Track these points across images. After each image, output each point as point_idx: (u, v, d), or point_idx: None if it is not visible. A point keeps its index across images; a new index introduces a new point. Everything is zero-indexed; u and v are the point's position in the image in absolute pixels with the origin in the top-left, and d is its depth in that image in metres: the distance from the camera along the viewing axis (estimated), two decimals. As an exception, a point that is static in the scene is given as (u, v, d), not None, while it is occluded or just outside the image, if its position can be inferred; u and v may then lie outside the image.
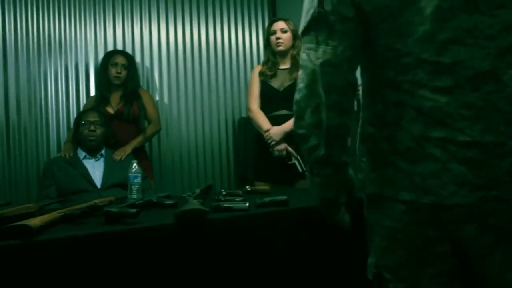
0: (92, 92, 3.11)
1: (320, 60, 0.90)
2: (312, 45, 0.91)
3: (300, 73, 0.95)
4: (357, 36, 0.90)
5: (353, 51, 0.91)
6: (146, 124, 2.88)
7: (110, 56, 2.81)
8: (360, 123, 1.02)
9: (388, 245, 0.97)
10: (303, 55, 0.94)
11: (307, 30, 0.93)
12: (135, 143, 2.69)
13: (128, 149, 2.61)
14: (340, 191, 1.04)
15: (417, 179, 0.89)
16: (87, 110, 2.57)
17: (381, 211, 0.97)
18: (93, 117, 2.47)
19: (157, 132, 2.95)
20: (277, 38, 2.56)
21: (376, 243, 1.01)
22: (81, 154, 2.44)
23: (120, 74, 2.75)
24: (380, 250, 1.00)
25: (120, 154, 2.53)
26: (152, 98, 2.96)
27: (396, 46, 0.88)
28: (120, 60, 2.77)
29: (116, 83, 2.76)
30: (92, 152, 2.44)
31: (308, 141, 0.96)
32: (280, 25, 2.58)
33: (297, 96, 0.97)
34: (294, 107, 0.98)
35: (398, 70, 0.89)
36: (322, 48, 0.90)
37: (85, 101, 3.05)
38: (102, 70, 2.80)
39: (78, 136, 2.45)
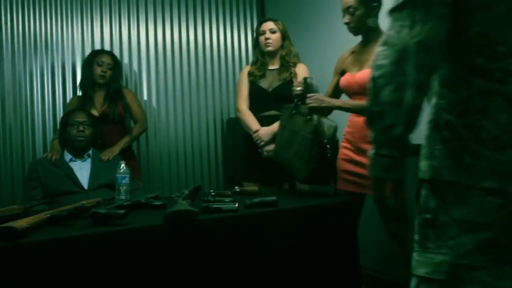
0: (79, 92, 3.07)
1: (416, 39, 0.89)
2: (407, 23, 0.89)
3: (384, 49, 0.93)
4: (451, 21, 0.91)
5: (445, 36, 0.91)
6: (131, 123, 2.85)
7: (95, 54, 2.78)
8: (433, 111, 1.01)
9: (471, 241, 0.91)
10: (391, 32, 0.92)
11: (400, 7, 0.91)
12: (122, 143, 2.67)
13: (116, 149, 2.59)
14: (402, 174, 1.00)
15: (501, 167, 0.89)
16: (74, 110, 2.54)
17: (463, 203, 0.92)
18: (81, 117, 2.44)
19: (144, 131, 2.93)
20: (266, 39, 2.56)
21: (451, 238, 0.93)
22: (67, 155, 2.41)
23: (105, 73, 2.72)
24: (459, 247, 0.92)
25: (108, 155, 2.50)
26: (136, 97, 2.94)
27: (491, 34, 0.89)
28: (106, 59, 2.75)
29: (100, 82, 2.73)
30: (79, 153, 2.41)
31: (382, 119, 0.95)
32: (269, 25, 2.58)
33: (376, 72, 0.94)
34: (371, 83, 0.95)
35: (491, 58, 0.90)
36: (418, 27, 0.89)
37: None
38: (87, 68, 2.75)
39: (65, 136, 2.42)
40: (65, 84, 3.13)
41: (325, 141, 1.78)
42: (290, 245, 1.54)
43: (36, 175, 2.29)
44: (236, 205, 1.52)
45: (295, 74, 2.54)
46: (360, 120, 2.00)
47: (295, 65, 2.57)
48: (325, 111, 1.98)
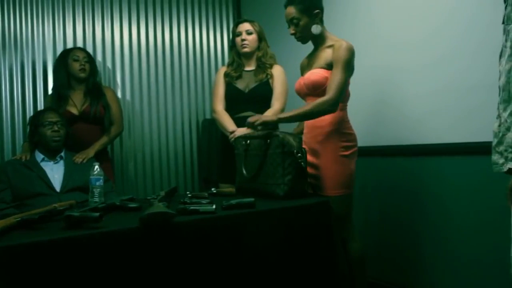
0: (50, 92, 2.99)
1: None
2: None
3: None
4: None
5: None
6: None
7: (68, 52, 2.71)
8: None
9: None
10: None
11: None
12: (98, 146, 2.61)
13: (91, 152, 2.53)
14: None
15: None
16: (46, 110, 2.46)
17: None
18: (55, 117, 2.38)
19: (120, 133, 2.88)
20: (243, 40, 2.56)
21: None
22: (39, 156, 2.34)
23: (84, 67, 2.67)
24: None
25: (82, 157, 2.44)
26: (116, 96, 2.89)
27: None
28: (81, 54, 2.70)
29: (82, 76, 2.67)
30: (52, 154, 2.35)
31: None
32: (245, 26, 2.58)
33: None
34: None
35: None
36: None
37: (42, 101, 2.95)
38: (61, 67, 2.68)
39: (37, 137, 2.35)
40: (36, 84, 3.05)
41: (295, 151, 1.79)
42: (268, 246, 1.54)
43: (5, 177, 2.22)
44: (214, 206, 1.51)
45: (272, 75, 2.56)
46: (310, 121, 2.04)
47: (271, 66, 2.58)
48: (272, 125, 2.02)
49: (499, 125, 1.16)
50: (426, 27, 2.24)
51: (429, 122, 2.24)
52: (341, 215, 1.97)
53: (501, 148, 1.14)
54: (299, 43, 2.12)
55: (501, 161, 1.14)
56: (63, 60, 2.69)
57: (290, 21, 2.04)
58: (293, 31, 2.05)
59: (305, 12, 2.01)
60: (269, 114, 2.21)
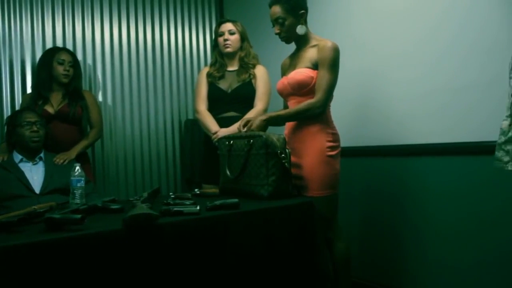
0: (29, 91, 2.92)
1: None
2: None
3: None
4: None
5: None
6: (87, 126, 2.75)
7: (54, 53, 2.65)
8: None
9: None
10: None
11: None
12: (79, 148, 2.57)
13: (72, 154, 2.49)
14: None
15: None
16: (23, 110, 2.41)
17: None
18: (33, 117, 2.33)
19: (99, 138, 2.84)
20: (225, 40, 2.55)
21: None
22: (17, 157, 2.28)
23: (68, 72, 2.62)
24: None
25: (63, 158, 2.40)
26: (96, 101, 2.84)
27: None
28: (67, 57, 2.64)
29: (64, 81, 2.62)
30: (31, 155, 2.30)
31: None
32: (228, 26, 2.58)
33: None
34: None
35: None
36: None
37: (20, 100, 2.87)
38: (44, 68, 2.62)
39: (15, 138, 2.29)
40: (13, 83, 2.98)
41: (279, 151, 1.79)
42: (252, 247, 1.53)
43: (-18, 179, 2.16)
44: (198, 207, 1.50)
45: (254, 76, 2.55)
46: (292, 122, 2.06)
47: (254, 66, 2.58)
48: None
49: (510, 125, 1.24)
50: (417, 27, 2.26)
51: (413, 123, 2.27)
52: (327, 215, 1.98)
53: (509, 147, 1.22)
54: (282, 43, 2.13)
55: (506, 159, 1.23)
56: (48, 60, 2.63)
57: (275, 21, 2.04)
58: (278, 31, 2.05)
59: (291, 12, 2.01)
60: (256, 116, 2.19)
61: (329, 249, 2.04)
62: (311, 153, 1.99)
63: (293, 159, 1.98)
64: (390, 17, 2.37)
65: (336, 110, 2.12)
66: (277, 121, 2.02)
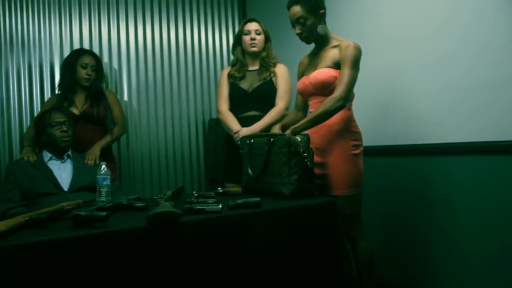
0: (57, 92, 3.01)
1: None
2: None
3: None
4: None
5: None
6: (112, 125, 2.81)
7: (78, 56, 2.71)
8: None
9: None
10: None
11: None
12: (102, 143, 2.63)
13: (97, 150, 2.55)
14: None
15: None
16: (51, 110, 2.47)
17: None
18: (62, 117, 2.39)
19: (123, 134, 2.90)
20: (252, 39, 2.55)
21: None
22: (46, 156, 2.35)
23: (90, 76, 2.68)
24: None
25: (92, 158, 2.47)
26: (117, 99, 2.90)
27: None
28: (90, 61, 2.70)
29: (86, 85, 2.69)
30: (59, 154, 2.36)
31: None
32: (254, 26, 2.58)
33: None
34: None
35: None
36: None
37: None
38: (69, 70, 2.69)
39: (45, 138, 2.36)
40: (43, 84, 3.07)
41: (301, 150, 1.79)
42: (274, 246, 1.54)
43: (13, 177, 2.23)
44: (220, 206, 1.51)
45: (275, 74, 2.55)
46: None
47: (274, 65, 2.59)
48: None
49: None
50: (432, 26, 2.23)
51: (435, 122, 2.23)
52: (351, 214, 1.97)
53: None
54: (303, 43, 2.12)
55: None
56: (72, 63, 2.69)
57: (296, 21, 2.03)
58: (299, 31, 2.04)
59: (312, 12, 2.00)
60: (282, 130, 2.15)
61: (353, 249, 2.02)
62: (335, 152, 1.99)
63: (317, 158, 1.98)
64: (411, 15, 2.33)
65: (359, 109, 2.10)
66: (306, 129, 1.96)
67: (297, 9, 2.01)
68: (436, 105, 2.21)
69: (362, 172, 2.02)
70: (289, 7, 2.05)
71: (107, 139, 2.68)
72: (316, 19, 2.02)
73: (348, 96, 1.93)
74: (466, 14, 2.07)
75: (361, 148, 2.03)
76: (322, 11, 2.03)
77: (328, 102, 1.90)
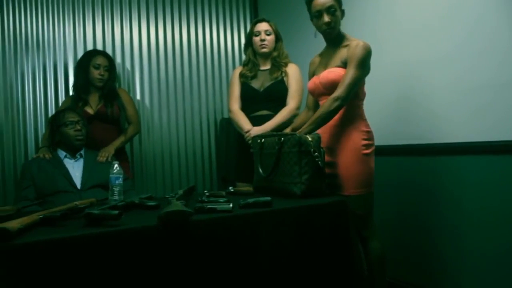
0: (72, 92, 3.05)
1: None
2: None
3: None
4: None
5: None
6: (125, 124, 2.84)
7: (91, 57, 2.75)
8: None
9: None
10: None
11: None
12: (117, 143, 2.66)
13: (111, 149, 2.58)
14: None
15: None
16: (65, 110, 2.51)
17: None
18: (75, 117, 2.43)
19: (137, 133, 2.92)
20: (262, 40, 2.56)
21: None
22: (61, 154, 2.39)
23: (103, 77, 2.72)
24: None
25: (105, 156, 2.49)
26: (131, 98, 2.93)
27: None
28: (102, 61, 2.73)
29: (99, 85, 2.72)
30: (73, 153, 2.40)
31: None
32: (264, 26, 2.59)
33: None
34: None
35: None
36: None
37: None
38: (82, 71, 2.73)
39: (59, 137, 2.40)
40: (57, 85, 3.11)
41: (312, 149, 1.79)
42: (284, 245, 1.54)
43: (29, 174, 2.27)
44: (231, 205, 1.52)
45: (286, 74, 2.55)
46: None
47: (286, 65, 2.58)
48: None
49: None
50: (442, 24, 2.21)
51: (446, 121, 2.21)
52: (362, 214, 1.96)
53: None
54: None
55: None
56: (85, 64, 2.73)
57: (327, 10, 1.97)
58: (328, 19, 1.97)
59: (339, 5, 2.00)
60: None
61: (364, 248, 2.01)
62: (346, 152, 1.98)
63: (327, 158, 1.97)
64: (424, 16, 2.31)
65: (371, 108, 2.09)
66: (312, 131, 1.95)
67: None
68: (447, 105, 2.19)
69: (373, 171, 2.01)
70: None
71: (121, 139, 2.71)
72: (341, 13, 2.02)
73: (348, 96, 1.91)
74: (492, 14, 2.04)
75: (373, 148, 2.02)
76: (343, 8, 2.03)
77: (327, 102, 1.90)
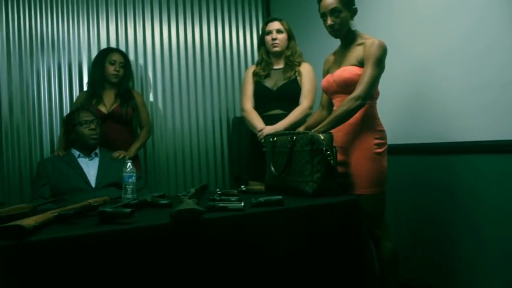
0: (85, 88, 3.09)
1: None
2: None
3: None
4: None
5: None
6: (138, 126, 2.88)
7: (107, 53, 2.79)
8: None
9: None
10: None
11: None
12: (134, 149, 2.72)
13: (131, 153, 2.64)
14: None
15: None
16: (79, 109, 2.55)
17: None
18: (90, 116, 2.46)
19: (150, 136, 2.97)
20: (273, 39, 2.55)
21: None
22: (75, 153, 2.42)
23: (118, 72, 2.75)
24: None
25: (122, 153, 2.53)
26: (144, 102, 2.97)
27: None
28: (118, 58, 2.77)
29: (114, 81, 2.75)
30: (88, 151, 2.43)
31: None
32: (275, 25, 2.58)
33: None
34: None
35: None
36: None
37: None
38: (98, 67, 2.77)
39: (74, 136, 2.43)
40: (72, 84, 3.15)
41: (324, 148, 1.78)
42: (296, 244, 1.54)
43: (45, 173, 2.31)
44: (242, 204, 1.52)
45: (300, 73, 2.55)
46: None
47: (299, 64, 2.57)
48: None
49: None
50: (463, 23, 2.18)
51: (461, 120, 2.18)
52: (374, 213, 1.94)
53: None
54: (328, 41, 2.10)
55: None
56: (101, 60, 2.77)
57: (331, 12, 1.97)
58: (332, 22, 1.97)
59: (347, 6, 1.97)
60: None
61: (376, 248, 2.00)
62: (358, 151, 1.97)
63: (340, 157, 1.96)
64: (437, 12, 2.29)
65: (383, 107, 2.08)
66: (328, 130, 1.93)
67: (331, 0, 1.97)
68: (463, 103, 2.16)
69: (386, 171, 1.99)
70: None
71: (137, 145, 2.76)
72: (349, 14, 1.99)
73: (367, 95, 1.90)
74: (500, 8, 2.01)
75: (385, 147, 2.00)
76: (355, 7, 2.00)
77: (347, 102, 1.89)
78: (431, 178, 2.36)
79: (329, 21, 1.98)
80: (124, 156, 2.52)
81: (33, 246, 1.14)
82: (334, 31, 2.01)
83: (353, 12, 2.00)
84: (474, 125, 2.12)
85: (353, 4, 2.00)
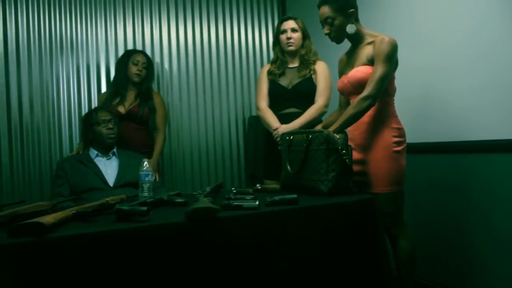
0: (103, 91, 3.13)
1: None
2: None
3: None
4: None
5: None
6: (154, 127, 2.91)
7: (131, 54, 2.84)
8: None
9: None
10: None
11: None
12: (155, 158, 2.80)
13: (155, 166, 2.72)
14: None
15: None
16: (97, 109, 2.59)
17: None
18: (108, 115, 2.50)
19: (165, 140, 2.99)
20: (288, 38, 2.55)
21: None
22: (93, 153, 2.46)
23: (140, 72, 2.79)
24: None
25: (155, 174, 2.64)
26: (163, 103, 2.98)
27: None
28: (141, 59, 2.81)
29: (136, 81, 2.79)
30: (105, 151, 2.47)
31: None
32: (290, 24, 2.58)
33: None
34: None
35: None
36: None
37: (96, 101, 3.08)
38: (121, 67, 2.82)
39: (92, 135, 2.47)
40: (90, 85, 3.21)
41: (339, 147, 1.77)
42: (310, 243, 1.53)
43: (63, 173, 2.36)
44: (257, 202, 1.53)
45: (315, 71, 2.54)
46: None
47: (314, 62, 2.57)
48: None
49: None
50: (473, 21, 2.14)
51: (477, 118, 2.15)
52: (392, 212, 1.93)
53: None
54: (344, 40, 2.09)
55: None
56: (125, 61, 2.82)
57: (325, 21, 2.01)
58: (327, 31, 2.01)
59: (340, 12, 1.97)
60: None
61: (393, 247, 1.99)
62: (376, 149, 1.95)
63: (357, 155, 1.95)
64: (450, 11, 2.25)
65: (401, 105, 2.05)
66: (341, 130, 1.92)
67: (325, 9, 1.99)
68: (479, 102, 2.13)
69: (404, 169, 1.97)
70: (318, 7, 2.03)
71: (157, 151, 2.83)
72: (344, 19, 1.98)
73: (377, 94, 1.88)
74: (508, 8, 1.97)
75: (404, 145, 1.98)
76: (352, 10, 1.98)
77: (357, 103, 1.88)
78: (448, 178, 2.33)
79: (325, 30, 2.02)
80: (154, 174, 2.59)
81: (52, 242, 1.16)
82: (331, 38, 2.04)
83: (350, 15, 1.98)
84: (491, 123, 2.08)
85: (349, 8, 1.97)
